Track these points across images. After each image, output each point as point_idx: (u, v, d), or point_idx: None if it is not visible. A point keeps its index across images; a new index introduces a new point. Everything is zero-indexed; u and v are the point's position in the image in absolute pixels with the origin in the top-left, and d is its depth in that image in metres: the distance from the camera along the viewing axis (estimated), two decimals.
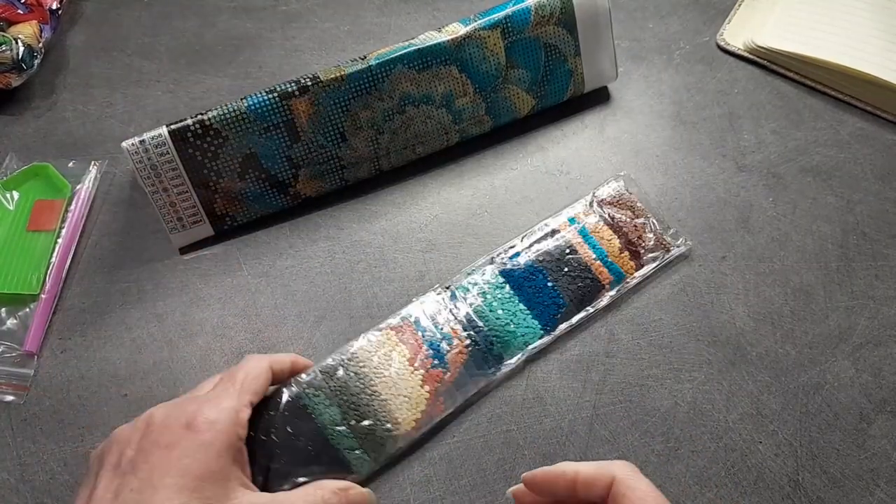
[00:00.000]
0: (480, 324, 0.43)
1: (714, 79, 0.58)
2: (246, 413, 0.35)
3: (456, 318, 0.44)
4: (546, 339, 0.44)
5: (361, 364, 0.41)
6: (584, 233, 0.47)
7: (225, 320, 0.47)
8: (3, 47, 0.55)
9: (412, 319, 0.43)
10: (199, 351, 0.46)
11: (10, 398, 0.44)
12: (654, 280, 0.47)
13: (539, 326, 0.44)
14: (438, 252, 0.50)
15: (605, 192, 0.50)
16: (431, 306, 0.44)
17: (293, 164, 0.50)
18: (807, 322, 0.46)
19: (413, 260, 0.49)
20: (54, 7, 0.60)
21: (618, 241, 0.47)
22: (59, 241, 0.50)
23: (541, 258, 0.46)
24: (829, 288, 0.47)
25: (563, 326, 0.44)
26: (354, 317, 0.47)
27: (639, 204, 0.49)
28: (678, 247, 0.48)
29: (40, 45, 0.58)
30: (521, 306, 0.44)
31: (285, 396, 0.39)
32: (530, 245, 0.47)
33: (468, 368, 0.42)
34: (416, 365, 0.42)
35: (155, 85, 0.59)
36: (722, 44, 0.60)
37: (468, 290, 0.45)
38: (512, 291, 0.44)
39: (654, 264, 0.47)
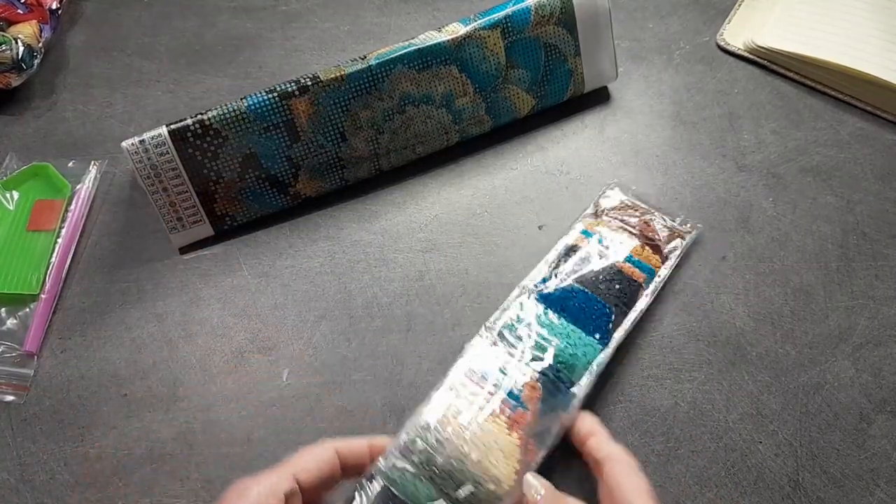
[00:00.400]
0: (540, 354, 0.40)
1: (714, 79, 0.58)
2: (285, 484, 0.33)
3: (514, 357, 0.40)
4: (607, 351, 0.41)
5: (438, 429, 0.37)
6: (601, 241, 0.46)
7: (225, 320, 0.47)
8: (3, 47, 0.55)
9: (471, 370, 0.40)
10: (199, 351, 0.46)
11: (10, 398, 0.44)
12: None
13: (596, 341, 0.42)
14: (438, 252, 0.50)
15: (608, 202, 0.49)
16: (484, 352, 0.41)
17: (293, 164, 0.50)
18: (807, 322, 0.46)
19: (413, 260, 0.49)
20: (54, 7, 0.60)
21: (636, 240, 0.46)
22: (59, 241, 0.50)
23: (572, 275, 0.44)
24: (829, 288, 0.47)
25: (618, 335, 0.42)
26: (354, 317, 0.47)
27: (640, 203, 0.49)
28: (689, 231, 0.48)
29: (40, 45, 0.58)
30: (571, 326, 0.42)
31: (369, 487, 0.35)
32: (556, 266, 0.45)
33: (545, 403, 0.39)
34: (495, 413, 0.38)
35: (155, 85, 0.59)
36: (722, 44, 0.60)
37: (513, 326, 0.42)
38: (556, 314, 0.42)
39: (677, 253, 0.46)
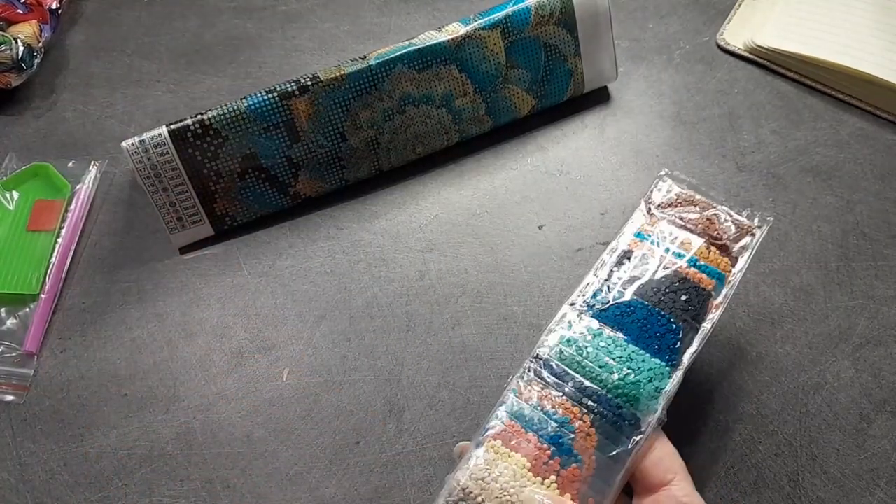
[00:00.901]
0: (595, 387, 0.34)
1: (714, 79, 0.58)
2: None
3: (563, 393, 0.35)
4: (677, 375, 0.35)
5: (479, 498, 0.32)
6: (659, 243, 0.39)
7: (225, 320, 0.47)
8: (3, 47, 0.55)
9: (514, 415, 0.34)
10: (199, 351, 0.46)
11: (10, 398, 0.44)
12: None
13: (663, 364, 0.35)
14: (438, 252, 0.50)
15: (661, 196, 0.41)
16: (527, 391, 0.35)
17: (293, 164, 0.50)
18: (807, 322, 0.46)
19: (413, 260, 0.49)
20: (54, 7, 0.60)
21: (700, 240, 0.39)
22: (59, 241, 0.50)
23: (628, 286, 0.37)
24: (829, 288, 0.47)
25: (688, 354, 0.36)
26: (354, 317, 0.47)
27: (698, 196, 0.41)
28: (759, 226, 0.40)
29: (40, 45, 0.58)
30: (633, 347, 0.35)
31: None
32: (608, 277, 0.38)
33: (603, 449, 0.34)
34: (542, 472, 0.33)
35: (155, 85, 0.59)
36: (722, 44, 0.60)
37: (562, 352, 0.36)
38: (613, 334, 0.36)
39: (748, 253, 0.39)
